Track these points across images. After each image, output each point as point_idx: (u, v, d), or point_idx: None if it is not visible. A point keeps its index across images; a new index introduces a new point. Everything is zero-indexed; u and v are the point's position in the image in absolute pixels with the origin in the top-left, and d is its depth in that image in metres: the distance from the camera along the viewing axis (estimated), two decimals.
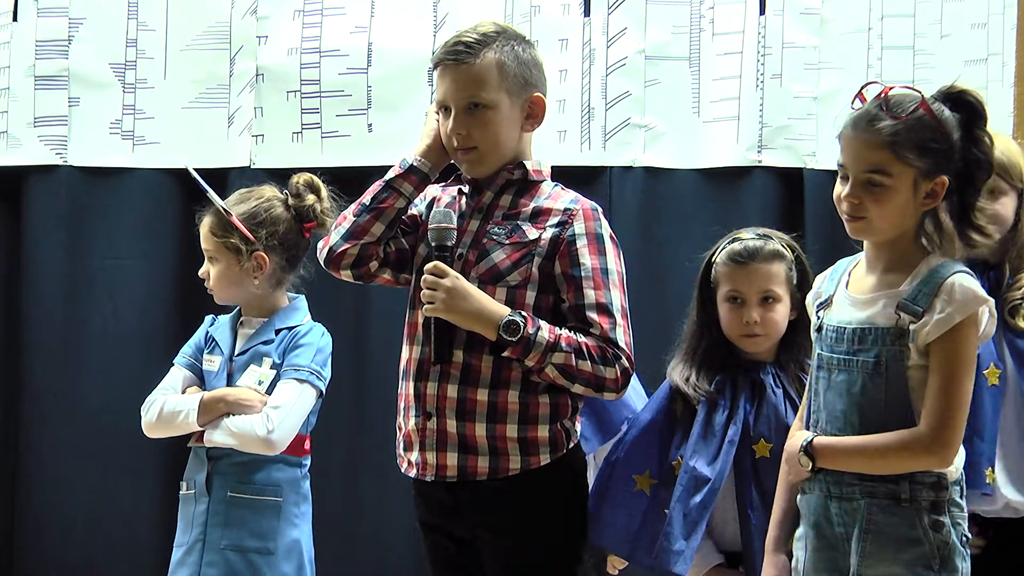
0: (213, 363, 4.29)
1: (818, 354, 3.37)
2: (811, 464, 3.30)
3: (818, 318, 3.40)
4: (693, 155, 5.26)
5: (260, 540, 4.16)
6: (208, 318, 4.37)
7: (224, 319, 4.34)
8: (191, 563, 4.14)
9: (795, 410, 3.66)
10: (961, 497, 3.27)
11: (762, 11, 5.26)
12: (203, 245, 4.23)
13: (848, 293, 3.35)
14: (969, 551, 3.28)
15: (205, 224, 4.21)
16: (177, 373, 4.29)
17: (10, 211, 5.40)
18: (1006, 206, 3.80)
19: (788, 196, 5.20)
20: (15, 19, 5.38)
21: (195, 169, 4.26)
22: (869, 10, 5.24)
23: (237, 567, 4.12)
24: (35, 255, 5.37)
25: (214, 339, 4.30)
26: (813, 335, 3.39)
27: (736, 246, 3.75)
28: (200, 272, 4.24)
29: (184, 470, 4.28)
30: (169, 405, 4.19)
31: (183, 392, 4.24)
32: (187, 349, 4.33)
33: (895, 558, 3.22)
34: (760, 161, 5.23)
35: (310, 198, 4.32)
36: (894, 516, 3.23)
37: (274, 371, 4.20)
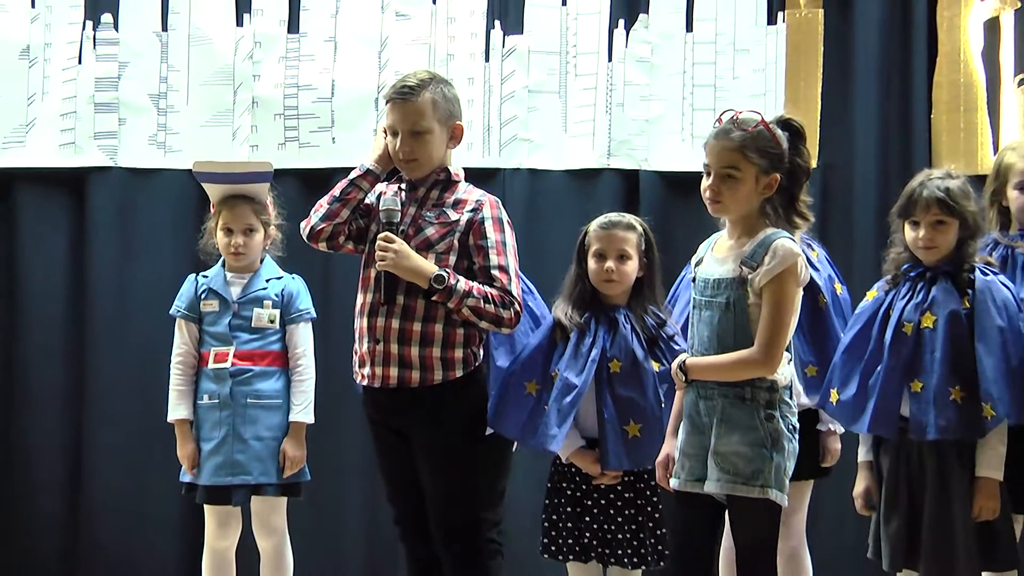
0: (213, 306, 4.37)
1: (693, 298, 3.51)
2: (684, 377, 3.45)
3: (694, 272, 3.56)
4: (561, 160, 5.39)
5: (273, 431, 4.34)
6: (191, 277, 4.46)
7: (213, 276, 4.42)
8: (224, 452, 4.28)
9: (639, 340, 3.84)
10: (790, 398, 3.42)
11: (610, 60, 5.39)
12: (243, 221, 4.34)
13: (712, 255, 3.53)
14: (796, 435, 3.41)
15: (243, 206, 4.34)
16: (184, 328, 4.39)
17: (77, 201, 5.42)
18: None
19: (628, 189, 5.35)
20: (80, 62, 5.39)
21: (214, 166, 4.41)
22: (684, 59, 5.38)
23: (259, 450, 4.31)
24: (95, 234, 5.39)
25: (210, 289, 4.38)
26: (691, 285, 3.55)
27: (603, 219, 3.93)
28: (237, 242, 4.34)
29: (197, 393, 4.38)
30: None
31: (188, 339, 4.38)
32: (181, 303, 4.42)
33: (740, 439, 3.36)
34: (609, 164, 5.38)
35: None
36: (740, 411, 3.37)
37: (276, 309, 4.37)
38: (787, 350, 3.42)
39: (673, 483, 3.50)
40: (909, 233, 3.72)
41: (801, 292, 3.42)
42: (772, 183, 3.38)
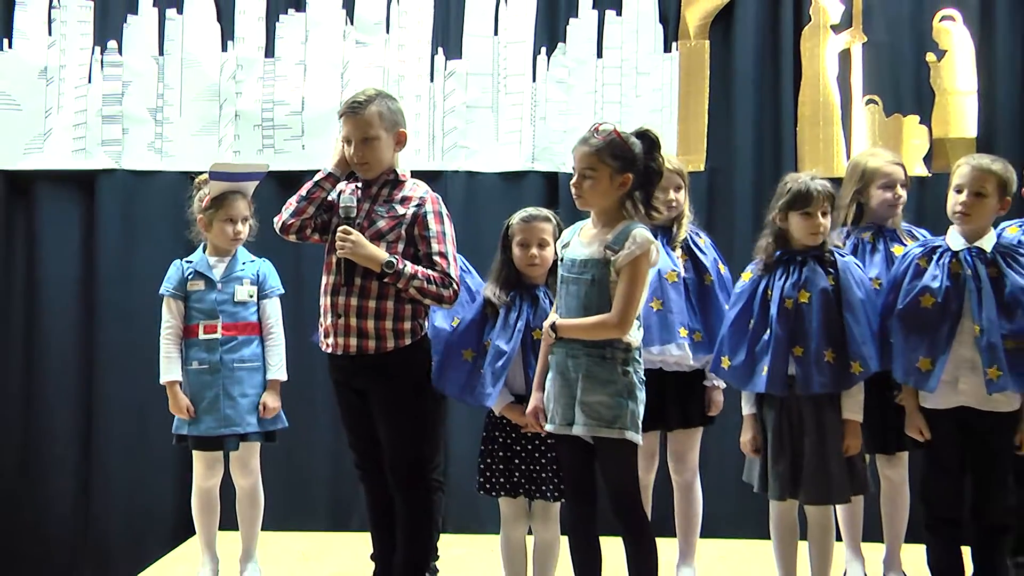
0: (199, 285, 4.32)
1: (561, 275, 3.63)
2: (554, 336, 3.57)
3: (562, 253, 3.67)
4: (494, 164, 5.57)
5: (255, 388, 4.38)
6: (177, 262, 4.38)
7: (197, 260, 4.37)
8: (216, 408, 4.30)
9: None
10: (640, 356, 3.56)
11: (534, 80, 5.57)
12: (242, 212, 4.33)
13: (579, 239, 3.63)
14: (644, 387, 3.53)
15: (241, 200, 4.33)
16: (173, 305, 4.31)
17: (87, 198, 5.59)
18: (681, 193, 4.15)
19: (549, 188, 5.52)
20: (89, 81, 5.61)
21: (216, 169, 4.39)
22: (595, 80, 5.56)
23: (245, 405, 4.34)
24: (103, 226, 5.57)
25: (196, 272, 4.34)
26: (559, 264, 3.66)
27: (524, 213, 3.96)
28: (239, 229, 4.30)
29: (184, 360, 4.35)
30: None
31: (176, 314, 4.31)
32: (170, 284, 4.35)
33: (602, 391, 3.49)
34: (533, 167, 5.56)
35: None
36: (601, 367, 3.50)
37: (255, 287, 4.39)
38: (636, 318, 3.53)
39: (548, 427, 3.62)
40: (800, 223, 3.83)
41: (652, 271, 3.55)
42: (625, 181, 3.47)
